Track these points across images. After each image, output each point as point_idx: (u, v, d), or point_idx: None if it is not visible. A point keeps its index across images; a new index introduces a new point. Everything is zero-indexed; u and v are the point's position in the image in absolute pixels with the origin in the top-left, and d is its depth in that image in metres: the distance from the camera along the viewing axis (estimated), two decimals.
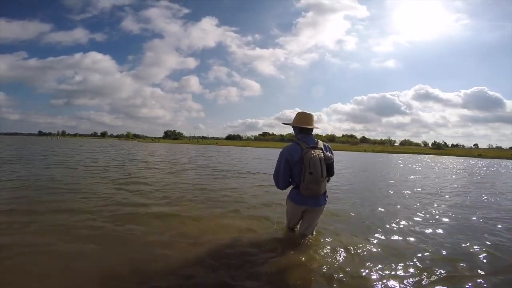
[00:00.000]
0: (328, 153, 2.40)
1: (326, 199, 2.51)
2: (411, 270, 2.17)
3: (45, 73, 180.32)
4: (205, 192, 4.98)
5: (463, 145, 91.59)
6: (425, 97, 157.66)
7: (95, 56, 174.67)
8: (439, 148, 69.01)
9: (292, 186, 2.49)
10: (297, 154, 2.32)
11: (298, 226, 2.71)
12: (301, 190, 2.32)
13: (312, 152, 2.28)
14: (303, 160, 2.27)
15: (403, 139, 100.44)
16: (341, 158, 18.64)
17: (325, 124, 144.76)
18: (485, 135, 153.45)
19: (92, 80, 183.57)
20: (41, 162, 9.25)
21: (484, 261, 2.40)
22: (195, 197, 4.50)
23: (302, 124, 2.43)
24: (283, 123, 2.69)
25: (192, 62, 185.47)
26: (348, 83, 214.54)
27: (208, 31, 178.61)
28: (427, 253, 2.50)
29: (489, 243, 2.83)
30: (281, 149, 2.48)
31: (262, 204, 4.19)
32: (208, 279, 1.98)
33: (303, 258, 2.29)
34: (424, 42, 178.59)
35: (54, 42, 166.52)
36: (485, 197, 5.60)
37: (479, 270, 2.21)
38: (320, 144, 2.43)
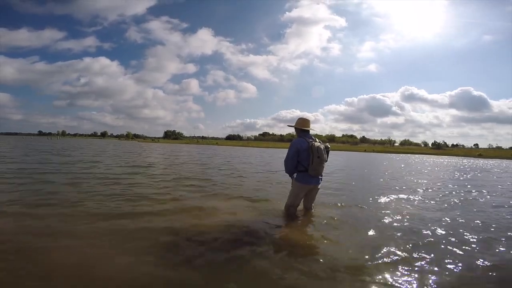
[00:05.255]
0: (326, 143, 3.36)
1: (321, 181, 3.32)
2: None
3: (52, 76, 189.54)
4: None
5: (463, 145, 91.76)
6: (411, 98, 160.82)
7: (101, 61, 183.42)
8: (439, 148, 69.15)
9: (295, 176, 3.23)
10: (304, 144, 3.12)
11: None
12: (309, 171, 3.09)
13: (316, 144, 3.10)
14: (311, 149, 3.07)
15: (402, 139, 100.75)
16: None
17: (323, 124, 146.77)
18: (481, 135, 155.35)
19: (96, 83, 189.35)
20: None
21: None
22: None
23: (303, 127, 3.29)
24: (288, 125, 3.48)
25: (191, 68, 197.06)
26: (337, 86, 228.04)
27: (205, 41, 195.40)
28: None
29: None
30: (282, 149, 2.73)
31: None
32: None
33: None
34: (402, 48, 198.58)
35: (64, 48, 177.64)
36: None
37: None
38: (317, 139, 3.27)
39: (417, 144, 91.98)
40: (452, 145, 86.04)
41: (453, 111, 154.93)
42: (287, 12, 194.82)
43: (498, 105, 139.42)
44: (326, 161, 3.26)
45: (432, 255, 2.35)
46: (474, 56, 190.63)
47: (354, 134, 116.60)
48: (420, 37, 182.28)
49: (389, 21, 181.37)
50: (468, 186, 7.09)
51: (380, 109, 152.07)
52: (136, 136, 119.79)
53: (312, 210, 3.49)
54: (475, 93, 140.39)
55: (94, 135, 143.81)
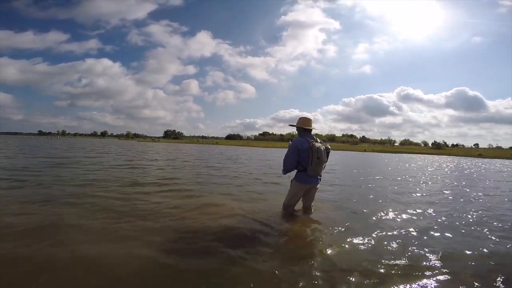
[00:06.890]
0: (327, 144, 3.34)
1: (320, 180, 3.33)
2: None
3: (54, 77, 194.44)
4: None
5: (463, 145, 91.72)
6: (407, 98, 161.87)
7: (103, 62, 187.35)
8: (439, 148, 69.12)
9: (293, 176, 3.28)
10: (305, 145, 3.10)
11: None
12: (308, 171, 3.11)
13: (316, 144, 3.09)
14: (311, 149, 3.07)
15: (401, 139, 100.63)
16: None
17: (322, 124, 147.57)
18: (480, 135, 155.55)
19: (97, 84, 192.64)
20: None
21: None
22: None
23: (304, 126, 3.25)
24: (290, 125, 3.46)
25: (191, 69, 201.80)
26: (334, 86, 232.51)
27: (204, 43, 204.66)
28: None
29: None
30: (284, 148, 2.84)
31: None
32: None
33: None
34: (395, 50, 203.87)
35: (67, 50, 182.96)
36: None
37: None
38: (318, 139, 3.26)
39: (417, 144, 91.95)
40: (452, 145, 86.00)
41: (450, 111, 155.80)
42: (282, 16, 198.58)
43: (495, 105, 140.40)
44: (326, 162, 3.26)
45: (430, 251, 2.40)
46: (466, 57, 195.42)
47: (354, 134, 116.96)
48: (413, 39, 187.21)
49: (382, 24, 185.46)
50: (463, 183, 7.25)
51: (377, 109, 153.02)
52: (136, 136, 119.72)
53: (312, 210, 3.47)
54: (471, 93, 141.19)
55: (94, 134, 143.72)
